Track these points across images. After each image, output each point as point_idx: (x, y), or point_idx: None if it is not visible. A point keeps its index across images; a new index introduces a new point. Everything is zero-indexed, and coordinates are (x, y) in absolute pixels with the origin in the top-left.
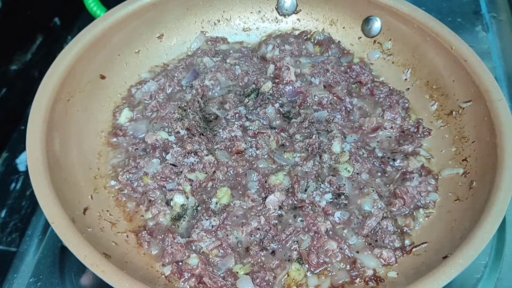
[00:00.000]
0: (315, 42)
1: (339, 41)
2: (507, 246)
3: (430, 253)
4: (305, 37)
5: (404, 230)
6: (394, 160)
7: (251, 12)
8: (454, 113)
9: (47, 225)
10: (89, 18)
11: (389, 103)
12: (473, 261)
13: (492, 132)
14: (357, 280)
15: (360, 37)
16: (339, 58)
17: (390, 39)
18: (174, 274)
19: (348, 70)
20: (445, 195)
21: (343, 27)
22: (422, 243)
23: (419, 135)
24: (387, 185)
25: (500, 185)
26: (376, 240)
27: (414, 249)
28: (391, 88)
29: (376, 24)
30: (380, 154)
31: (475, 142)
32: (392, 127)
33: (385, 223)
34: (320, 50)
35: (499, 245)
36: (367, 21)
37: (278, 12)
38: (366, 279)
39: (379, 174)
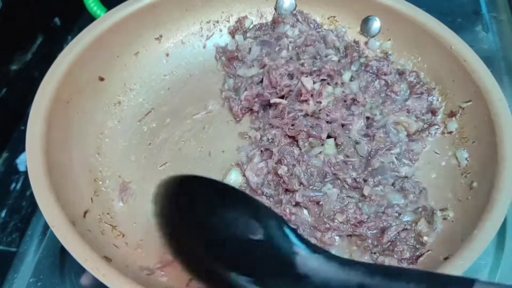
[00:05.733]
0: None
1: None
2: (507, 246)
3: (430, 254)
4: None
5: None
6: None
7: (250, 13)
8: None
9: (47, 225)
10: (89, 18)
11: None
12: None
13: (492, 132)
14: None
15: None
16: None
17: (390, 39)
18: None
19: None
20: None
21: (343, 27)
22: (427, 251)
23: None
24: None
25: (500, 185)
26: (384, 250)
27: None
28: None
29: (376, 24)
30: None
31: (475, 142)
32: None
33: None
34: None
35: (499, 245)
36: (366, 20)
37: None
38: None
39: None
